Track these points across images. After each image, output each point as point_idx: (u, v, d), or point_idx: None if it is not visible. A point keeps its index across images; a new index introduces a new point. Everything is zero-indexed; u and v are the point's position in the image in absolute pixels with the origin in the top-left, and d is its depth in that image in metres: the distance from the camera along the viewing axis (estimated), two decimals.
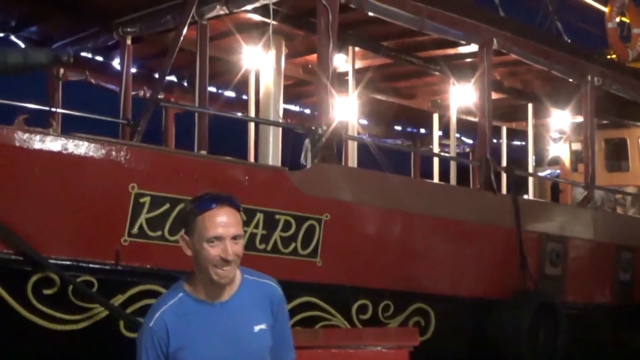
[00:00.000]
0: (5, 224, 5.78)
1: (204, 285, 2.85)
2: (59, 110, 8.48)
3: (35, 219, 5.99)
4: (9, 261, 5.89)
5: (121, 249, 6.23)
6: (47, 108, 8.26)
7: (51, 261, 5.97)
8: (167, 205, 6.37)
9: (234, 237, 2.83)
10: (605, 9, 12.24)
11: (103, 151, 6.26)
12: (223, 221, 2.79)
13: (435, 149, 13.64)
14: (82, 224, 6.26)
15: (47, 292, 5.98)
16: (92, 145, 6.21)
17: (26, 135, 6.01)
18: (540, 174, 16.43)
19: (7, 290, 5.83)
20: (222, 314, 2.92)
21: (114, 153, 6.30)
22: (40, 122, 7.08)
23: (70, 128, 7.14)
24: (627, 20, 12.50)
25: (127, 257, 6.28)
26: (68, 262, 6.10)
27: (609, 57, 12.50)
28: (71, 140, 6.16)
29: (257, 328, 2.86)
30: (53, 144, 6.13)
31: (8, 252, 5.88)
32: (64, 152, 6.13)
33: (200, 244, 2.79)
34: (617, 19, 12.26)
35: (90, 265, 6.18)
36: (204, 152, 8.11)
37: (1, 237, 5.79)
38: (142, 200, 6.28)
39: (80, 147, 6.18)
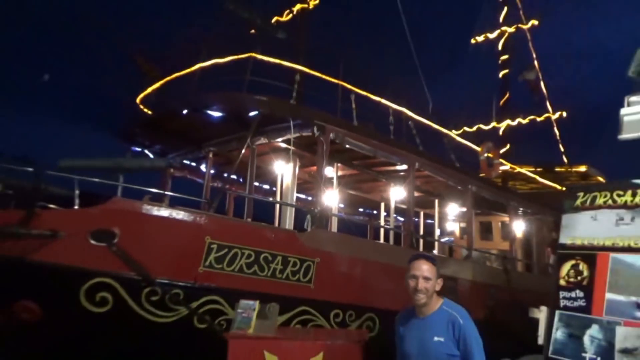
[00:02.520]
0: (133, 257, 5.77)
1: (416, 306, 3.01)
2: (168, 192, 8.52)
3: (151, 255, 5.99)
4: (133, 280, 5.85)
5: (198, 274, 6.19)
6: (162, 191, 8.31)
7: (157, 280, 5.94)
8: (226, 250, 6.36)
9: (425, 278, 2.92)
10: (479, 149, 12.46)
11: (191, 217, 6.30)
12: (419, 267, 2.88)
13: (382, 223, 13.56)
14: (177, 259, 6.24)
15: (153, 298, 5.91)
16: (185, 213, 6.27)
17: (149, 206, 6.08)
18: (442, 240, 16.36)
19: (130, 297, 5.77)
20: (420, 324, 3.00)
21: (197, 218, 6.34)
22: (157, 199, 7.18)
23: (174, 203, 7.21)
24: (491, 155, 12.69)
25: (201, 279, 6.24)
26: (167, 281, 6.05)
27: (481, 175, 12.63)
28: (174, 210, 6.22)
29: (436, 339, 2.88)
30: (163, 211, 6.18)
31: (133, 274, 5.85)
32: (169, 216, 6.17)
33: (407, 279, 2.93)
34: (485, 155, 12.46)
35: (180, 283, 6.13)
36: (249, 220, 8.13)
37: (130, 266, 5.77)
38: (212, 246, 6.28)
39: (178, 214, 6.23)
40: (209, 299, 6.20)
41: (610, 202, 4.42)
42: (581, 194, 4.63)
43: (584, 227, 4.44)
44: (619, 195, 4.39)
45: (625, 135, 4.52)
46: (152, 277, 5.88)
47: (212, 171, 10.43)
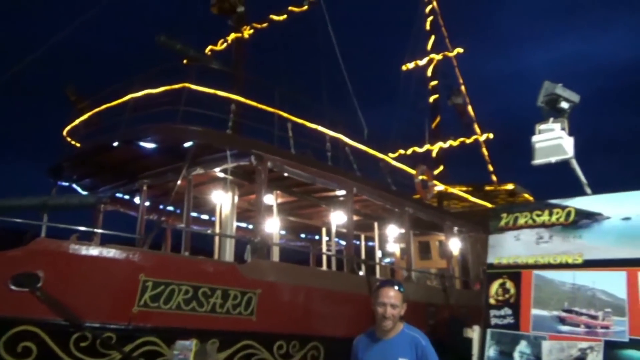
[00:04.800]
0: (60, 301, 5.43)
1: (378, 328, 3.10)
2: (98, 230, 8.12)
3: (80, 298, 5.66)
4: (60, 325, 5.49)
5: (132, 315, 5.91)
6: (92, 229, 7.92)
7: (87, 324, 5.60)
8: (162, 287, 6.12)
9: (392, 305, 2.98)
10: (414, 172, 12.87)
11: (124, 255, 6.04)
12: (387, 294, 2.92)
13: (324, 248, 13.57)
14: (109, 300, 5.93)
15: (82, 344, 5.56)
16: (117, 251, 6.01)
17: (76, 246, 5.77)
18: (384, 261, 16.60)
19: (57, 345, 5.40)
20: (384, 346, 3.11)
21: (130, 255, 6.09)
22: (87, 237, 6.84)
23: (106, 240, 6.90)
24: (425, 178, 13.13)
25: (136, 320, 5.95)
26: (98, 325, 5.72)
27: (416, 197, 13.00)
28: (104, 249, 5.95)
29: (400, 358, 3.02)
30: (93, 250, 5.89)
31: (59, 318, 5.49)
32: (99, 255, 5.89)
33: (375, 306, 2.89)
34: (420, 177, 12.87)
35: (112, 326, 5.81)
36: (187, 253, 7.91)
37: (57, 311, 5.42)
38: (147, 284, 6.03)
39: (109, 252, 5.96)
40: (144, 341, 5.92)
41: (530, 221, 4.74)
42: (504, 215, 4.93)
43: (508, 247, 4.72)
44: (538, 215, 4.72)
45: (537, 161, 4.90)
46: (81, 322, 5.55)
47: (147, 203, 10.06)
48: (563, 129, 4.75)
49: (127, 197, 10.68)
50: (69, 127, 9.65)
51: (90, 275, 5.81)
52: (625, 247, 4.15)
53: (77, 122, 9.41)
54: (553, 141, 4.69)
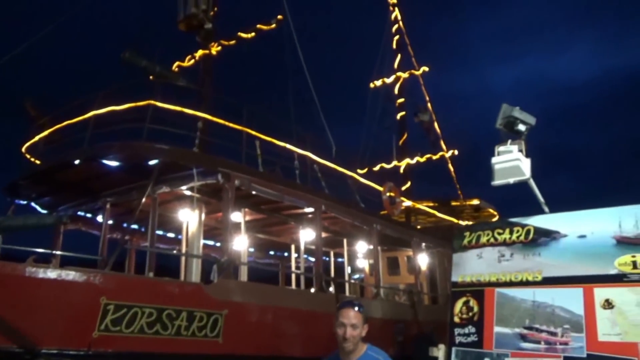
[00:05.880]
0: (15, 327, 5.20)
1: (341, 350, 3.04)
2: (57, 252, 7.85)
3: (37, 323, 5.43)
4: (14, 353, 5.25)
5: (92, 340, 5.71)
6: (50, 251, 7.64)
7: (44, 351, 5.37)
8: (124, 310, 5.95)
9: (352, 325, 2.90)
10: (382, 189, 13.02)
11: (84, 277, 5.85)
12: (347, 315, 2.86)
13: (293, 265, 13.47)
14: (68, 324, 5.72)
15: None
16: (77, 273, 5.82)
17: (34, 269, 5.56)
18: (353, 277, 16.63)
19: None
20: None
21: (91, 278, 5.90)
22: (46, 259, 6.59)
23: (66, 262, 6.67)
24: (393, 194, 13.27)
25: (96, 345, 5.75)
26: (56, 351, 5.50)
27: (384, 213, 13.13)
28: (63, 271, 5.75)
29: None
30: (51, 273, 5.69)
31: (14, 345, 5.25)
32: (58, 278, 5.69)
33: (336, 327, 2.82)
34: (388, 194, 13.02)
35: (71, 352, 5.59)
36: (151, 274, 7.72)
37: (11, 337, 5.19)
38: (108, 307, 5.85)
39: (68, 275, 5.76)
40: None
41: (492, 240, 4.87)
42: (467, 233, 5.05)
43: (471, 265, 4.83)
44: (499, 234, 4.85)
45: (497, 182, 5.06)
46: (37, 348, 5.33)
47: (110, 222, 9.79)
48: (520, 150, 4.93)
49: (89, 215, 10.38)
50: (28, 144, 9.34)
51: (47, 299, 5.60)
52: (581, 265, 4.31)
53: (36, 138, 9.12)
54: (511, 163, 4.86)
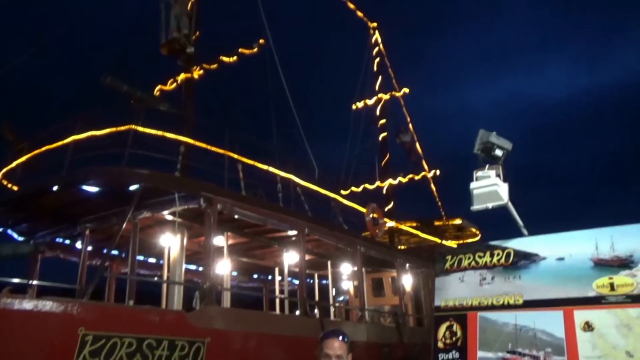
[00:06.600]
0: None
1: None
2: (34, 282, 7.66)
3: (10, 356, 5.27)
4: None
5: None
6: (27, 281, 7.45)
7: None
8: (103, 341, 5.81)
9: (337, 356, 2.98)
10: (365, 210, 13.06)
11: (61, 307, 5.71)
12: (331, 346, 2.87)
13: (277, 288, 13.33)
14: (44, 357, 5.55)
15: None
16: (54, 304, 5.67)
17: (9, 300, 5.41)
18: (338, 299, 16.51)
19: None
20: None
21: (68, 308, 5.76)
22: (22, 290, 6.43)
23: (44, 290, 6.50)
24: (376, 216, 13.33)
25: None
26: None
27: (367, 234, 13.15)
28: (40, 302, 5.61)
29: None
30: (26, 304, 5.54)
31: None
32: (34, 309, 5.54)
33: (320, 357, 2.93)
34: (371, 215, 13.07)
35: None
36: (131, 302, 7.56)
37: None
38: (86, 338, 5.70)
39: (45, 305, 5.61)
40: None
41: (473, 263, 4.92)
42: (449, 257, 5.09)
43: (453, 289, 4.86)
44: (480, 257, 4.91)
45: (476, 207, 5.14)
46: None
47: (89, 248, 9.60)
48: (498, 175, 5.03)
49: (67, 242, 10.15)
50: (5, 169, 9.18)
51: (23, 331, 5.44)
52: (560, 287, 4.37)
53: (14, 164, 8.97)
54: (489, 188, 4.95)
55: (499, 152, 4.86)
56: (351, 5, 18.73)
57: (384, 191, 17.97)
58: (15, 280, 6.12)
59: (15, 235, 9.52)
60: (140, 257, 10.88)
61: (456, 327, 4.63)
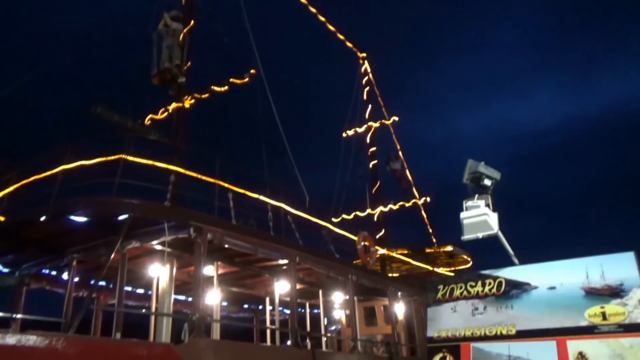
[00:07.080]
0: None
1: None
2: (19, 316, 7.47)
3: None
4: None
5: None
6: (11, 315, 7.27)
7: None
8: None
9: None
10: (356, 238, 13.02)
11: (45, 342, 5.57)
12: None
13: (267, 318, 13.08)
14: None
15: None
16: (38, 338, 5.53)
17: None
18: (330, 328, 16.26)
19: None
20: None
21: (53, 343, 5.61)
22: (5, 323, 6.26)
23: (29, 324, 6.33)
24: (367, 244, 13.29)
25: None
26: None
27: (359, 262, 13.06)
28: (23, 336, 5.46)
29: None
30: (9, 339, 5.39)
31: None
32: (17, 344, 5.39)
33: None
34: (362, 243, 13.03)
35: None
36: (118, 335, 7.38)
37: None
38: None
39: (29, 340, 5.47)
40: None
41: (465, 293, 4.90)
42: (441, 286, 5.08)
43: (446, 319, 4.83)
44: (471, 286, 4.89)
45: (466, 237, 5.16)
46: None
47: (76, 279, 9.38)
48: (487, 205, 5.07)
49: (53, 273, 9.96)
50: None
51: None
52: (553, 316, 4.36)
53: (0, 194, 8.86)
54: (479, 218, 4.98)
55: (487, 182, 4.91)
56: (341, 36, 19.09)
57: (375, 218, 17.95)
58: None
59: (0, 267, 9.32)
60: (129, 288, 10.70)
61: (450, 359, 4.58)
